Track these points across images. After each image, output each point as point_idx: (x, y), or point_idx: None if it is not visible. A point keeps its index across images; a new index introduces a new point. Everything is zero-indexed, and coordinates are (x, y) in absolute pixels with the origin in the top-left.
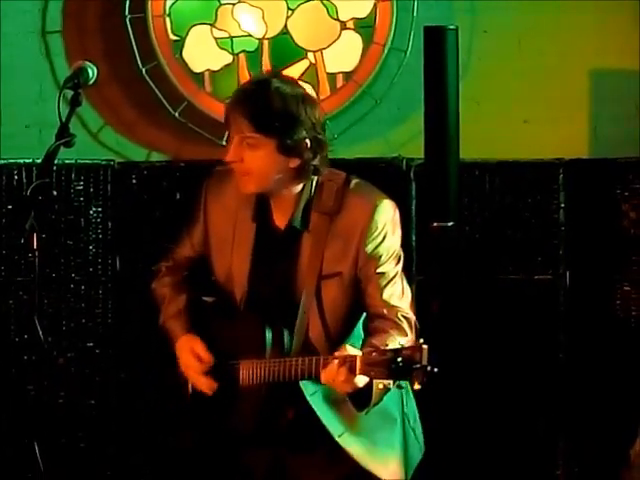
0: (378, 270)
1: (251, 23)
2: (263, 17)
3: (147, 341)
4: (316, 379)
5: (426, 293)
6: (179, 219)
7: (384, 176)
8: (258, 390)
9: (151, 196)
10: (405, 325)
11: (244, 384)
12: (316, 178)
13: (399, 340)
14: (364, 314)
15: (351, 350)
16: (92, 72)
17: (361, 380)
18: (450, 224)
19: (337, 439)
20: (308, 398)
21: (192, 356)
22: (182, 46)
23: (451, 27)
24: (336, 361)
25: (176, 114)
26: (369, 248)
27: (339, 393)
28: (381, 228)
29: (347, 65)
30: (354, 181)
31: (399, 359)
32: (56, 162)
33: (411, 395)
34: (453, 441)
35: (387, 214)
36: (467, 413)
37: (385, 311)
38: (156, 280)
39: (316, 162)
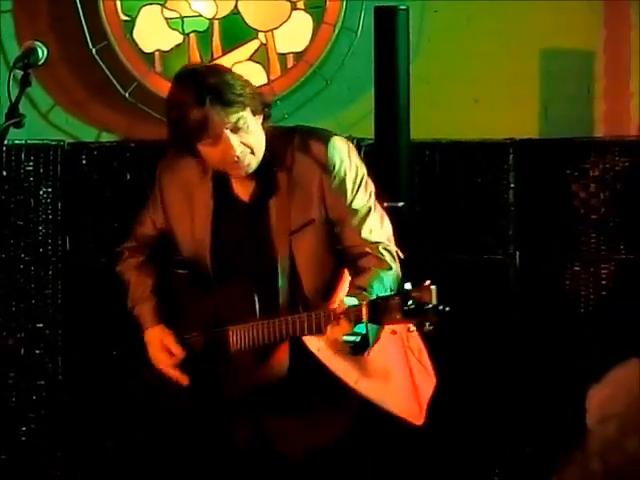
0: (350, 208)
1: (201, 3)
2: None
3: (97, 322)
4: (317, 334)
5: None
6: (129, 199)
7: None
8: (251, 353)
9: (101, 176)
10: (387, 258)
11: (236, 349)
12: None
13: (384, 276)
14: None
15: (349, 301)
16: (42, 52)
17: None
18: (401, 204)
19: (354, 386)
20: (316, 354)
21: (162, 350)
22: (132, 26)
23: (402, 7)
24: (342, 316)
25: (126, 94)
26: (333, 187)
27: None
28: (339, 164)
29: (298, 45)
30: (297, 128)
31: (410, 302)
32: (6, 142)
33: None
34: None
35: (340, 148)
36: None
37: (367, 249)
38: (120, 263)
39: (269, 109)
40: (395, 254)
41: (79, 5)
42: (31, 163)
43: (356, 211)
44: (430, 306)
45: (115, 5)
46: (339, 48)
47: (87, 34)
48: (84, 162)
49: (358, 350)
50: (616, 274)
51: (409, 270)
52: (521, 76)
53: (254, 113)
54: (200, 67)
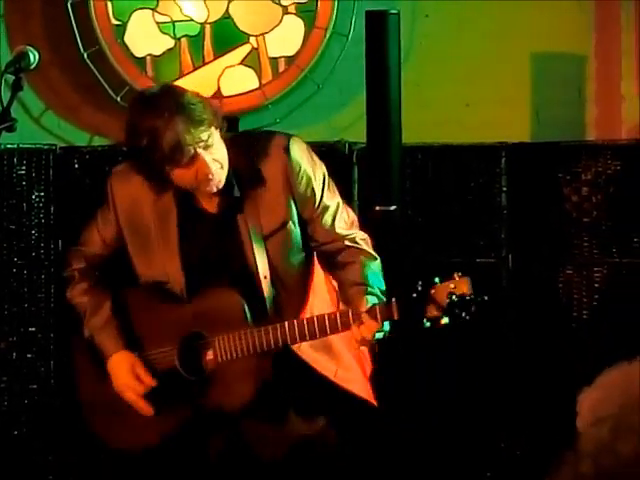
0: (321, 206)
1: (193, 7)
2: (205, 1)
3: None
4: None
5: None
6: None
7: (327, 160)
8: (244, 360)
9: (93, 180)
10: (366, 247)
11: (227, 357)
12: None
13: (372, 265)
14: None
15: (372, 299)
16: (34, 57)
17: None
18: (393, 208)
19: (334, 379)
20: (297, 352)
21: (132, 376)
22: (124, 30)
23: (393, 11)
24: (366, 314)
25: (118, 99)
26: (302, 187)
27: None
28: (304, 165)
29: (289, 49)
30: (249, 135)
31: (454, 296)
32: None
33: None
34: (396, 421)
35: (300, 149)
36: (410, 395)
37: (346, 242)
38: (71, 288)
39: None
40: (369, 241)
41: (70, 10)
42: (23, 167)
43: (327, 207)
44: (470, 297)
45: (106, 9)
46: (330, 52)
47: (78, 38)
48: (76, 166)
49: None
50: (609, 277)
51: (403, 273)
52: (513, 80)
53: (216, 127)
54: (158, 90)
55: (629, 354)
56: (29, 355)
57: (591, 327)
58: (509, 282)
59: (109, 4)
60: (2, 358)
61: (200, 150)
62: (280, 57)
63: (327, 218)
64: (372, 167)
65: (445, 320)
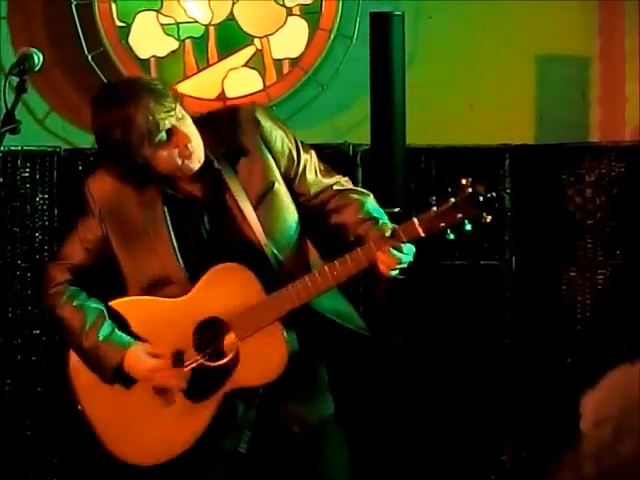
0: (302, 160)
1: (197, 9)
2: (209, 3)
3: None
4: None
5: (372, 279)
6: None
7: (330, 162)
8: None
9: None
10: (353, 186)
11: (253, 330)
12: None
13: (370, 200)
14: None
15: (389, 224)
16: (38, 58)
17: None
18: (397, 210)
19: (364, 332)
20: (327, 315)
21: (148, 358)
22: (128, 32)
23: (397, 13)
24: (402, 235)
25: None
26: (277, 146)
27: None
28: (274, 125)
29: (293, 51)
30: (212, 113)
31: (464, 194)
32: (1, 149)
33: None
34: (399, 426)
35: (267, 114)
36: (414, 399)
37: (335, 188)
38: (61, 304)
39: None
40: (349, 180)
41: (74, 11)
42: (27, 169)
43: (307, 160)
44: (486, 196)
45: (110, 11)
46: (334, 54)
47: (83, 40)
48: (80, 168)
49: (406, 272)
50: (612, 279)
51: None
52: (517, 81)
53: (181, 104)
54: (113, 85)
55: (632, 355)
56: (33, 358)
57: (594, 329)
58: (512, 284)
59: (113, 5)
60: (6, 361)
61: (174, 122)
62: (284, 59)
63: (310, 170)
64: (376, 169)
65: (468, 227)
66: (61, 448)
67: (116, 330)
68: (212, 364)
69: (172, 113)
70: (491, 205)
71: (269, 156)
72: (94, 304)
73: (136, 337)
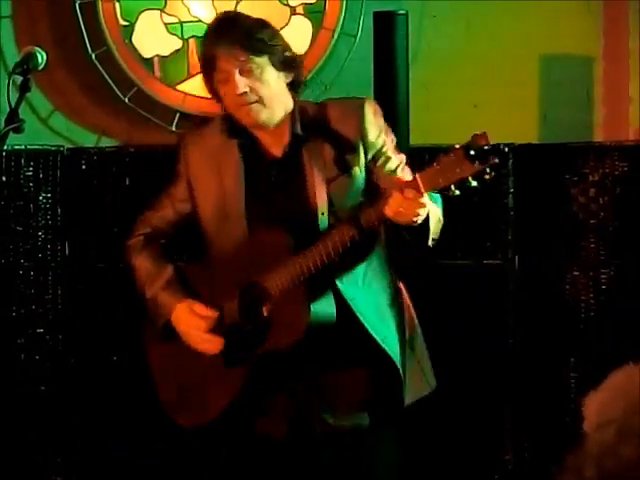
0: (387, 153)
1: (201, 8)
2: (213, 2)
3: (97, 327)
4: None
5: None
6: (129, 204)
7: None
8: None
9: (101, 182)
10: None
11: (285, 286)
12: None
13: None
14: None
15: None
16: (41, 57)
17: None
18: None
19: (380, 343)
20: (349, 303)
21: (193, 316)
22: (132, 31)
23: (401, 12)
24: (420, 183)
25: (126, 99)
26: (372, 138)
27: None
28: (376, 117)
29: (297, 50)
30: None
31: (471, 151)
32: (5, 148)
33: None
34: (401, 426)
35: (375, 107)
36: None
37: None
38: (135, 254)
39: (302, 76)
40: None
41: (78, 10)
42: (31, 168)
43: (394, 160)
44: (490, 147)
45: (114, 10)
46: (338, 53)
47: (86, 39)
48: (84, 167)
49: (416, 239)
50: (615, 279)
51: (410, 277)
52: (520, 81)
53: (275, 67)
54: (237, 12)
55: (636, 355)
56: (37, 357)
57: (598, 328)
58: (516, 284)
59: (117, 5)
60: (10, 360)
61: (236, 70)
62: None
63: (390, 147)
64: None
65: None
66: (65, 447)
67: (176, 285)
68: (249, 328)
69: (236, 64)
70: (487, 158)
71: (361, 144)
72: (164, 259)
73: (193, 295)
